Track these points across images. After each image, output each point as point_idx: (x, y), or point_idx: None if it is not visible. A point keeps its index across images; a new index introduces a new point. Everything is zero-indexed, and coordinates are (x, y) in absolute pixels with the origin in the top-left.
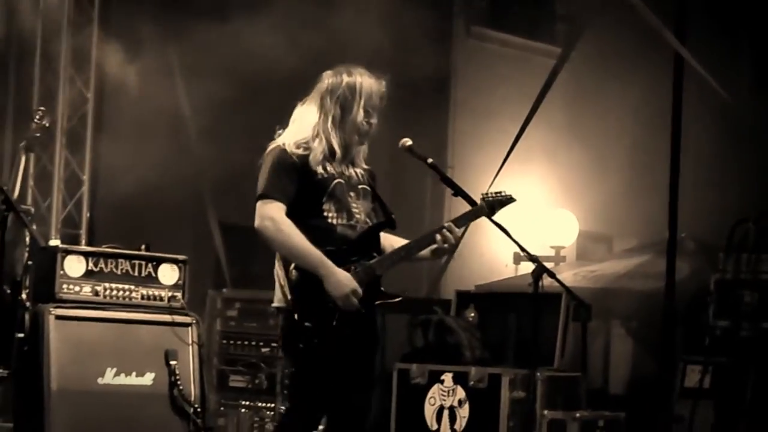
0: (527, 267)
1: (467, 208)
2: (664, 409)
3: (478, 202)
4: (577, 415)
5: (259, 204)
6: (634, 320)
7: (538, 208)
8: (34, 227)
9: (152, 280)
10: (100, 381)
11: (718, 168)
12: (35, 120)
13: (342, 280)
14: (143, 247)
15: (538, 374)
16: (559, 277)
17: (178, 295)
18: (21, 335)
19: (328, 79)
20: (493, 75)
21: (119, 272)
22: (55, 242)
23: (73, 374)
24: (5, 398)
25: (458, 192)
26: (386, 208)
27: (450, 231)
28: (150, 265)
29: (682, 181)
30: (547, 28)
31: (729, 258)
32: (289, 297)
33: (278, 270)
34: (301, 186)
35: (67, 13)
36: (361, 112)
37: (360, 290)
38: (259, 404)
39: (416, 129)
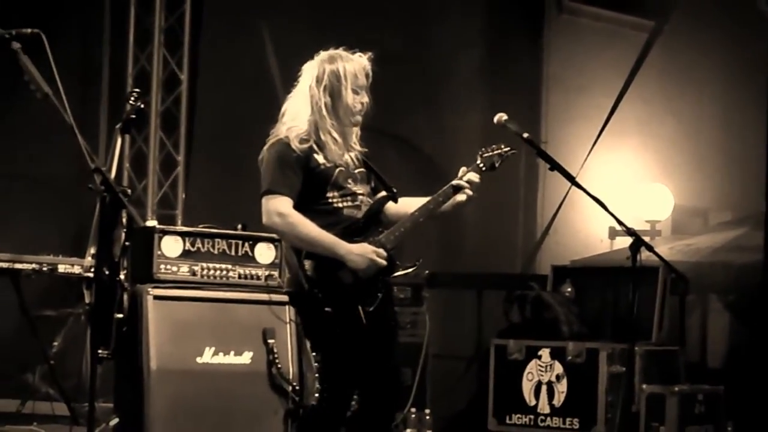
0: (622, 242)
1: (563, 182)
2: (763, 382)
3: (478, 159)
4: (676, 389)
5: (264, 200)
6: (731, 294)
7: (632, 183)
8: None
9: (249, 260)
10: (198, 360)
11: None
12: (130, 102)
13: (359, 251)
14: (239, 226)
15: (636, 348)
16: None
17: (275, 273)
18: (120, 316)
19: (310, 71)
20: (585, 49)
21: (216, 252)
22: (152, 223)
23: (172, 354)
24: (105, 379)
25: (554, 166)
26: (386, 183)
27: (470, 180)
28: (247, 244)
29: None
30: (639, 1)
31: None
32: (306, 286)
33: (288, 257)
34: (305, 178)
35: None
36: (351, 95)
37: (380, 250)
38: None
39: (509, 104)
